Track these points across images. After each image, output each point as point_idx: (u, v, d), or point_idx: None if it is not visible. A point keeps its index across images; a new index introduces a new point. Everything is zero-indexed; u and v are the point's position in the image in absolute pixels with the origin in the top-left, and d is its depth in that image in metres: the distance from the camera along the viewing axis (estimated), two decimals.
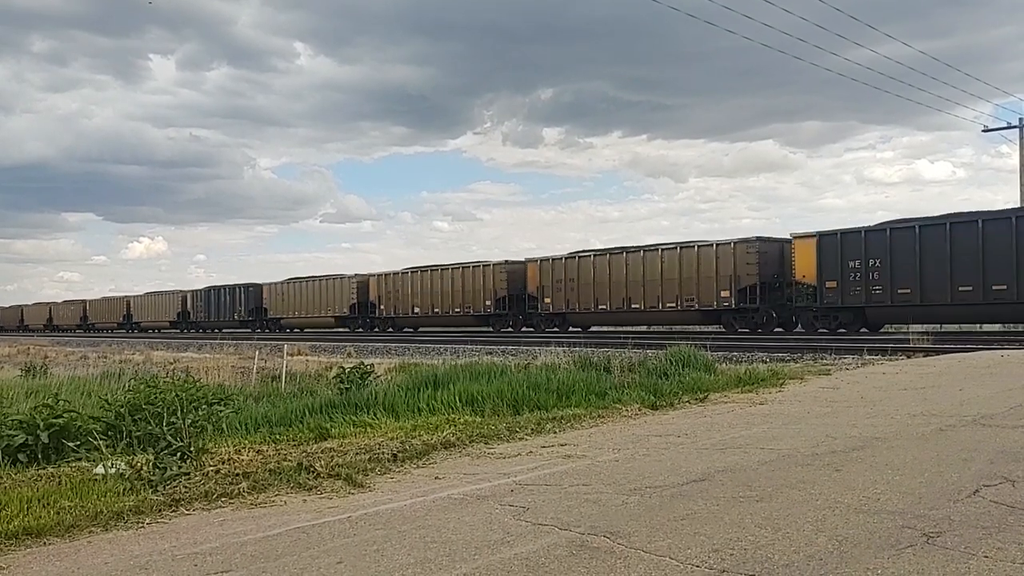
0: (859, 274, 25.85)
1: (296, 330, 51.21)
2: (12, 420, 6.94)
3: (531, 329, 37.23)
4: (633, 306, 32.04)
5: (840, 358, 16.90)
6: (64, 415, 7.08)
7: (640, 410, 9.40)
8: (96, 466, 6.18)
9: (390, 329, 44.82)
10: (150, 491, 5.45)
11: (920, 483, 5.29)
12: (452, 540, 4.30)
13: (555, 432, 8.05)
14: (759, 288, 28.55)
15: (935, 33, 79.97)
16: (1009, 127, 37.22)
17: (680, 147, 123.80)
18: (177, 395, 7.23)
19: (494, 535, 4.37)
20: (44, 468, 6.42)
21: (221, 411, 8.10)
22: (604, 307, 33.24)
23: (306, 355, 24.64)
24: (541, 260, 36.48)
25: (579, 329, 35.18)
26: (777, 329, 28.92)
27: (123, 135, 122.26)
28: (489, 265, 39.08)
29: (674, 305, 30.91)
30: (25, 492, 5.47)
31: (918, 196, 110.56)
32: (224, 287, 58.62)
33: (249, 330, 51.25)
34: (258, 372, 14.37)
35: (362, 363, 11.51)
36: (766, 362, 16.40)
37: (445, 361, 15.24)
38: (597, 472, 5.99)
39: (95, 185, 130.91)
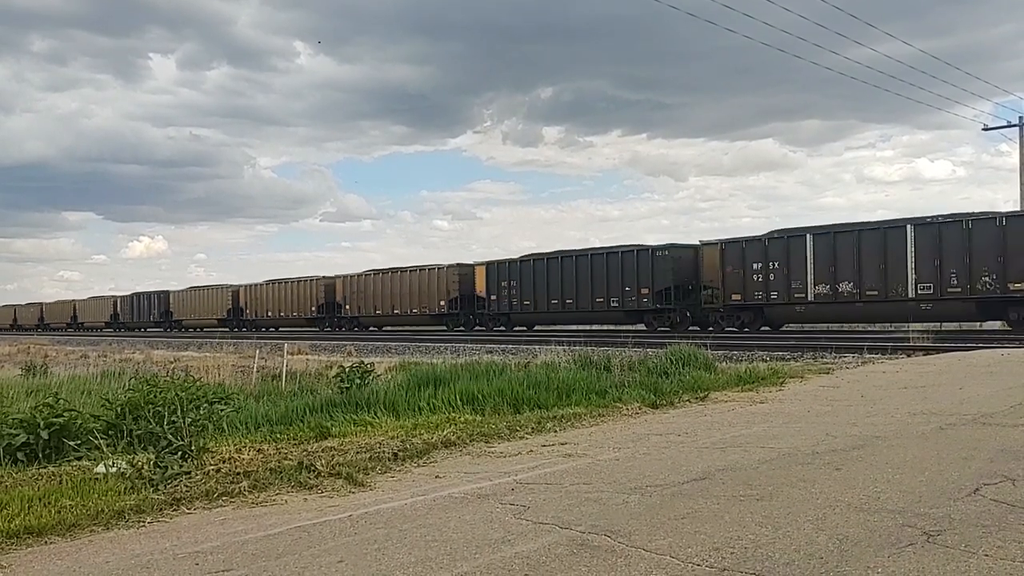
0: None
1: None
2: (13, 419, 6.94)
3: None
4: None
5: (840, 356, 16.91)
6: (65, 414, 7.08)
7: (640, 409, 9.40)
8: (97, 465, 6.18)
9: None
10: (151, 490, 5.45)
11: (920, 481, 5.30)
12: (453, 539, 4.31)
13: (555, 431, 8.06)
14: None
15: (935, 32, 79.97)
16: (1009, 126, 37.23)
17: (680, 146, 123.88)
18: (177, 394, 7.23)
19: (495, 534, 4.38)
20: (45, 467, 6.42)
21: (222, 410, 8.10)
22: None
23: (306, 354, 24.64)
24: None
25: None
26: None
27: (123, 134, 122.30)
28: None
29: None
30: (26, 491, 5.47)
31: (918, 195, 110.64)
32: (143, 294, 68.79)
33: (162, 329, 61.02)
34: (258, 371, 14.37)
35: (362, 362, 11.51)
36: (766, 361, 16.40)
37: (445, 360, 15.25)
38: (598, 471, 5.99)
39: (95, 184, 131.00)
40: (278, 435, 7.73)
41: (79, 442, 6.88)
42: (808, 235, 27.45)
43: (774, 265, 27.89)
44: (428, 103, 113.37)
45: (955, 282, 24.05)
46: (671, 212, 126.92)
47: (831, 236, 26.89)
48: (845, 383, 11.59)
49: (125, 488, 5.48)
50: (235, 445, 7.02)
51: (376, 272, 46.02)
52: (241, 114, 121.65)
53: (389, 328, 45.55)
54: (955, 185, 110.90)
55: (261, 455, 6.73)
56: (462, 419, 8.46)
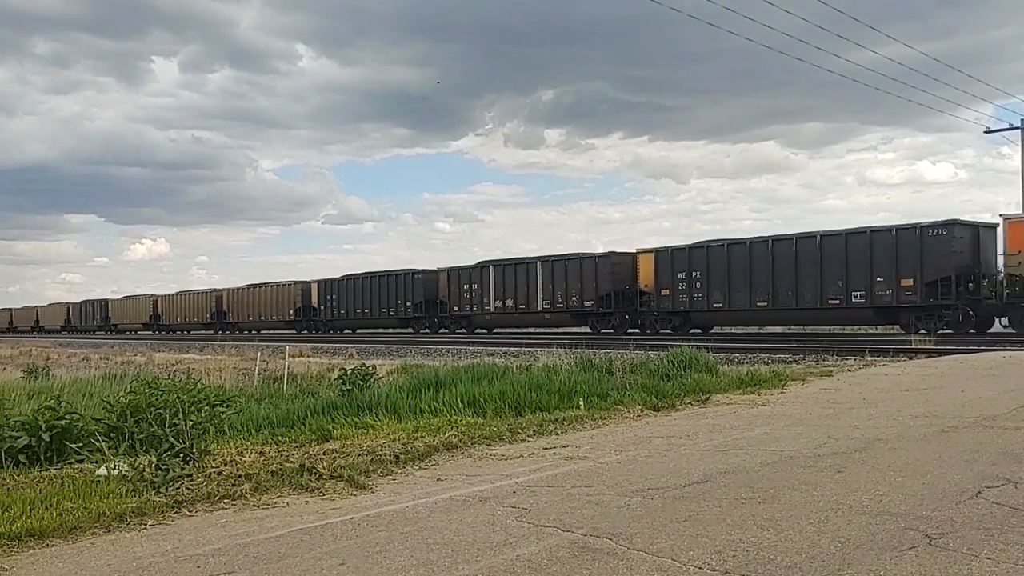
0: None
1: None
2: (14, 421, 6.95)
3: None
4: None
5: (842, 359, 16.90)
6: (66, 417, 7.09)
7: (642, 411, 9.40)
8: (98, 468, 6.18)
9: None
10: (152, 492, 5.45)
11: (922, 484, 5.29)
12: (454, 542, 4.30)
13: (557, 433, 8.05)
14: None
15: (937, 34, 79.95)
16: (1011, 128, 37.17)
17: (681, 148, 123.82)
18: (179, 396, 7.23)
19: (496, 536, 4.38)
20: (46, 470, 6.43)
21: (223, 412, 8.10)
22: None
23: (308, 356, 24.65)
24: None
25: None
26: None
27: (125, 137, 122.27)
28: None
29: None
30: (28, 493, 5.48)
31: (919, 197, 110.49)
32: (89, 302, 77.81)
33: (104, 332, 66.95)
34: (260, 374, 14.38)
35: (364, 365, 11.52)
36: (767, 363, 16.39)
37: (447, 362, 15.25)
38: (599, 474, 5.99)
39: (97, 187, 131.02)
40: (279, 437, 7.73)
41: (81, 445, 6.88)
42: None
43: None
44: (429, 105, 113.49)
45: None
46: (672, 214, 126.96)
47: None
48: (847, 386, 11.58)
49: (127, 491, 5.48)
50: (236, 448, 7.03)
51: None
52: (243, 116, 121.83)
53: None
54: (957, 188, 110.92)
55: (263, 457, 6.74)
56: (464, 422, 8.46)
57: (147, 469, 5.81)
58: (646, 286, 32.11)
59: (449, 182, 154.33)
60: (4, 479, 6.08)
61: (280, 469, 6.18)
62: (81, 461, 6.65)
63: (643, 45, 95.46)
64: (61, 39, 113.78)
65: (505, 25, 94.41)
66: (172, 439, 6.20)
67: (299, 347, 28.49)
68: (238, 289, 57.42)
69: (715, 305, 29.61)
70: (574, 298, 34.29)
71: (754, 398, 10.46)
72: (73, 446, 6.83)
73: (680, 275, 30.47)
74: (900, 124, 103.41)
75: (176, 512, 5.16)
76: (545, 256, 36.85)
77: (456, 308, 40.16)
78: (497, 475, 6.06)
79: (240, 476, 5.96)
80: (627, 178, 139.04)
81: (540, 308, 35.91)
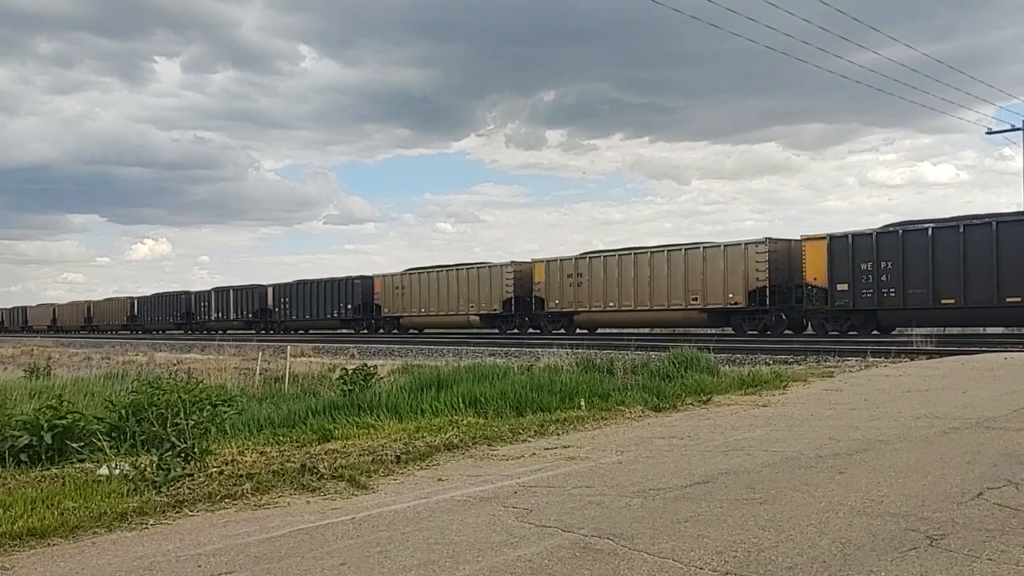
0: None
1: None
2: (16, 421, 6.96)
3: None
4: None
5: (843, 360, 16.88)
6: (68, 416, 7.10)
7: (643, 412, 9.39)
8: (100, 467, 6.19)
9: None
10: (154, 492, 5.45)
11: (924, 486, 5.29)
12: (455, 542, 4.31)
13: (558, 434, 8.05)
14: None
15: (938, 35, 79.91)
16: (1013, 129, 37.15)
17: (682, 149, 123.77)
18: (180, 396, 7.23)
19: (497, 537, 4.38)
20: (48, 469, 6.44)
21: (224, 412, 8.10)
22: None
23: (309, 356, 24.66)
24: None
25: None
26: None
27: (127, 137, 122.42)
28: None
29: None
30: (29, 493, 5.48)
31: (921, 198, 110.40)
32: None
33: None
34: (261, 373, 14.38)
35: (365, 364, 11.52)
36: (769, 364, 16.39)
37: (448, 363, 15.25)
38: (600, 474, 5.99)
39: (99, 187, 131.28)
40: (281, 437, 7.73)
41: (82, 444, 6.89)
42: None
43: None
44: (431, 106, 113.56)
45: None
46: (674, 215, 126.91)
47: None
48: (848, 387, 11.57)
49: (128, 490, 5.49)
50: (238, 447, 7.03)
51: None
52: (245, 117, 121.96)
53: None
54: (958, 189, 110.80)
55: (264, 457, 6.74)
56: (465, 422, 8.46)
57: (148, 469, 5.82)
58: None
59: (451, 183, 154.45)
60: (5, 478, 6.09)
61: (281, 469, 6.18)
62: (83, 460, 6.65)
63: (644, 46, 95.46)
64: (64, 39, 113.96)
65: (507, 26, 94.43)
66: (173, 439, 6.21)
67: (300, 347, 28.49)
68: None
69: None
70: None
71: (755, 399, 10.46)
72: (74, 445, 6.84)
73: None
74: (902, 125, 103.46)
75: (177, 512, 5.16)
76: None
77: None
78: (498, 475, 6.06)
79: (241, 476, 5.96)
80: (628, 179, 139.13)
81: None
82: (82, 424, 7.13)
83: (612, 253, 34.08)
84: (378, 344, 32.74)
